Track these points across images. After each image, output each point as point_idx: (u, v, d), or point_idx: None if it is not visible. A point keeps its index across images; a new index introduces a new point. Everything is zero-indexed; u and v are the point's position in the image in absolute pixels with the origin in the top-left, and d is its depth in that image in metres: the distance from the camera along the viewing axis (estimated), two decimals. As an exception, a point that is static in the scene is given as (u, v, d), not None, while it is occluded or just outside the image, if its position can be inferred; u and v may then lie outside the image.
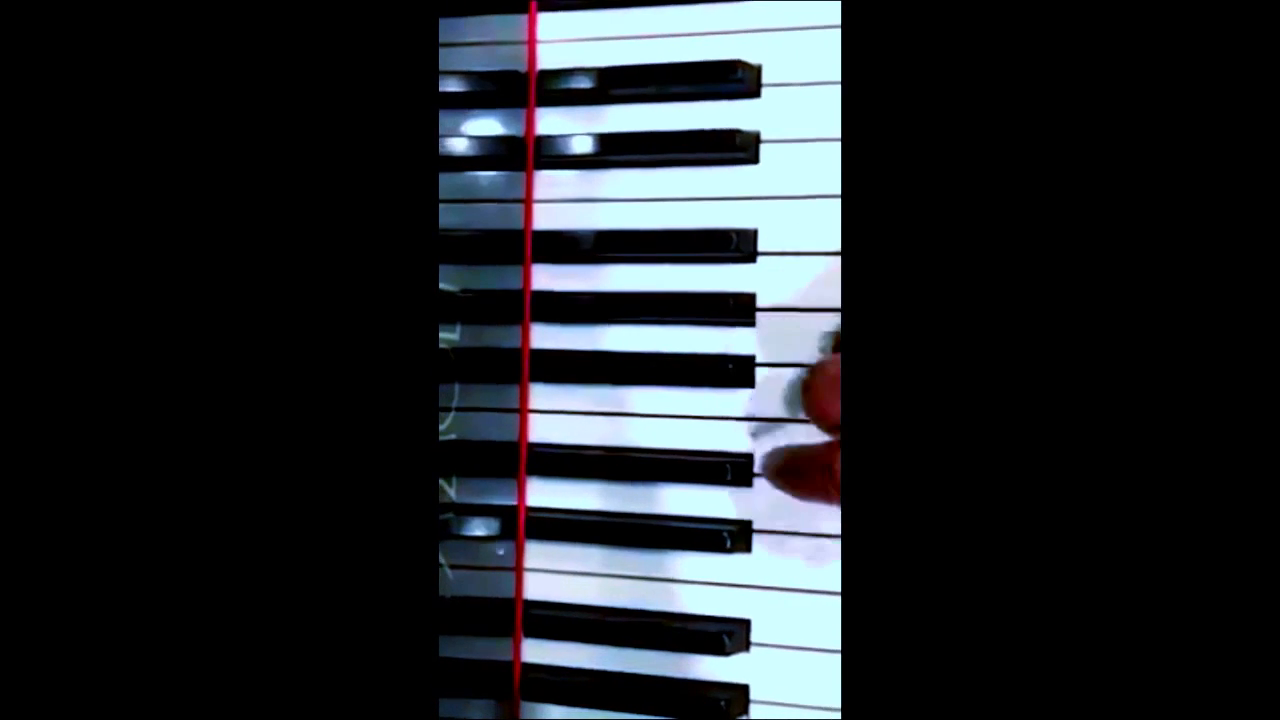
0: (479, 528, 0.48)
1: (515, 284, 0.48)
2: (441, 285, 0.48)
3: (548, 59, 0.48)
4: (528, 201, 0.48)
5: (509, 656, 0.47)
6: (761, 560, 0.45)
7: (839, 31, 0.44)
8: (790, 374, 0.44)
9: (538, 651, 0.47)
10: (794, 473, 0.42)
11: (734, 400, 0.45)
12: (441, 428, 0.48)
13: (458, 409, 0.48)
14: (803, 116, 0.45)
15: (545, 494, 0.48)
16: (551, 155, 0.47)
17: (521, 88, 0.48)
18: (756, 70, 0.45)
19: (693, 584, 0.46)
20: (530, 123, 0.48)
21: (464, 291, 0.48)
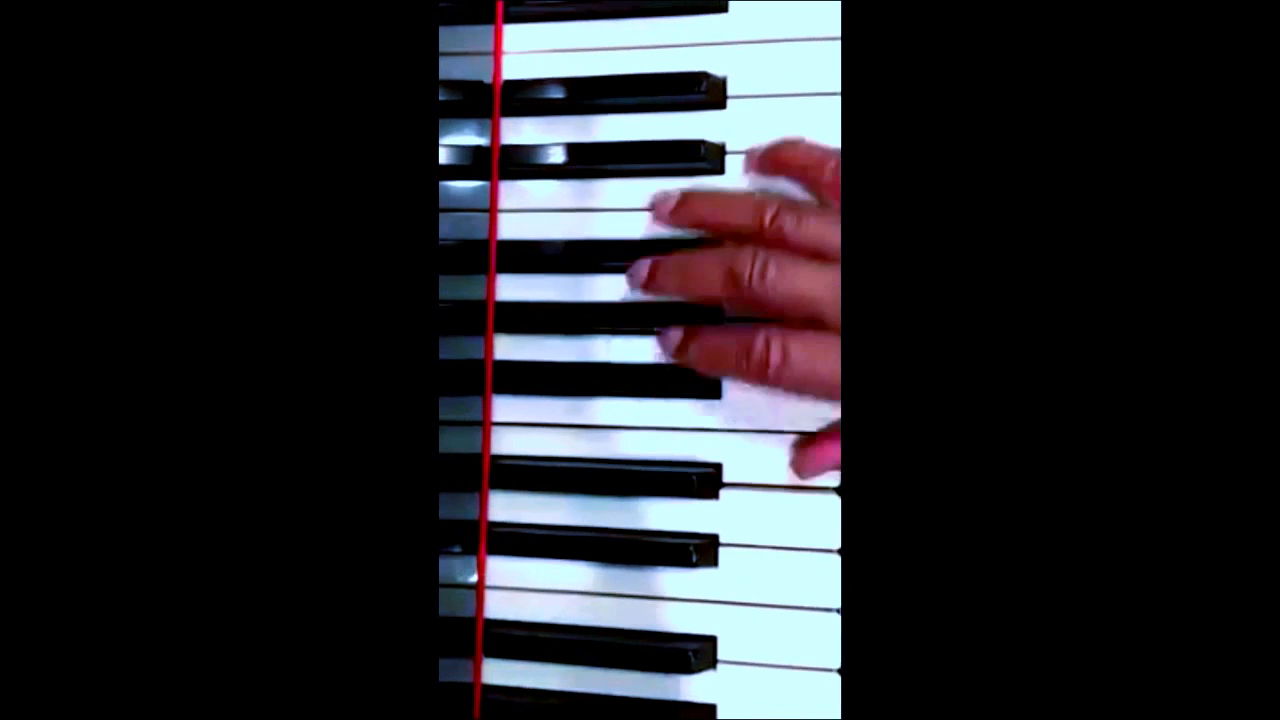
0: (440, 543, 0.47)
1: (479, 294, 0.47)
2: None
3: (514, 70, 0.48)
4: (492, 211, 0.47)
5: (469, 678, 0.46)
6: (728, 575, 0.44)
7: (804, 44, 0.45)
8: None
9: (499, 672, 0.46)
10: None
11: (700, 411, 0.45)
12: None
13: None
14: (768, 128, 0.45)
15: (508, 508, 0.47)
16: (517, 165, 0.47)
17: (487, 98, 0.48)
18: (722, 82, 0.46)
19: (658, 600, 0.45)
20: (495, 132, 0.47)
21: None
